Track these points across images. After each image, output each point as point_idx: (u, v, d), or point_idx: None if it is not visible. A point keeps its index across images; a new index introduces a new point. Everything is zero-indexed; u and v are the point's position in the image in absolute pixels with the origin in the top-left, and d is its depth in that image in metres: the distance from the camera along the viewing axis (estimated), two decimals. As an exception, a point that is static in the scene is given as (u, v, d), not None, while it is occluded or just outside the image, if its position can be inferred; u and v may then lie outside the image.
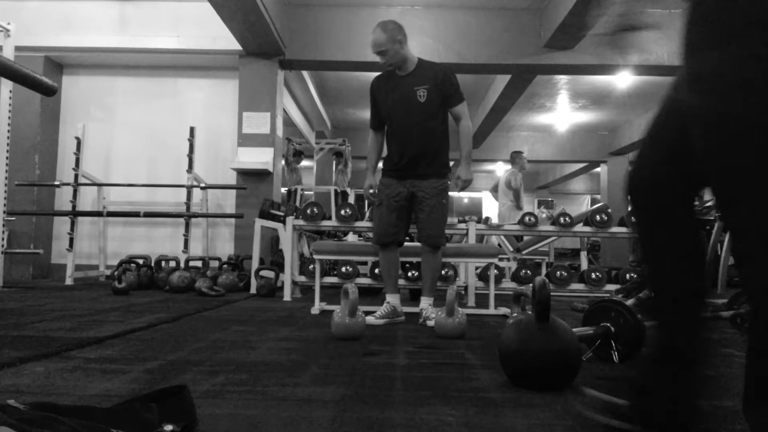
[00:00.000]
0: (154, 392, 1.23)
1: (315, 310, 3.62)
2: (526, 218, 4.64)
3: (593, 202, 18.10)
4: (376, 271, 4.30)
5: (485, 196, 18.57)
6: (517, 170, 7.41)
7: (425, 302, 3.24)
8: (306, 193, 9.18)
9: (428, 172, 3.20)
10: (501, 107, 8.72)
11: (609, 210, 4.65)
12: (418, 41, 6.42)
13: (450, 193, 3.33)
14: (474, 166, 16.37)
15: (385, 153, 3.41)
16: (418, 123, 3.17)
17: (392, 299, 3.25)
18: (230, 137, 6.57)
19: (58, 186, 6.38)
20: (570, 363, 1.64)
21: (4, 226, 4.88)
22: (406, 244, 3.52)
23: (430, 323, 3.00)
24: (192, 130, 6.19)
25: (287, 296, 4.37)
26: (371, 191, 3.35)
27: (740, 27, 0.96)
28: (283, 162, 7.32)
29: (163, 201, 6.38)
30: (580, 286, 4.54)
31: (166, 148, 6.61)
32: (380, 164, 3.47)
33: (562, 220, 4.58)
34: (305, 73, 7.89)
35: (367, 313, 2.96)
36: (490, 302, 3.81)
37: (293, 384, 1.65)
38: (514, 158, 7.50)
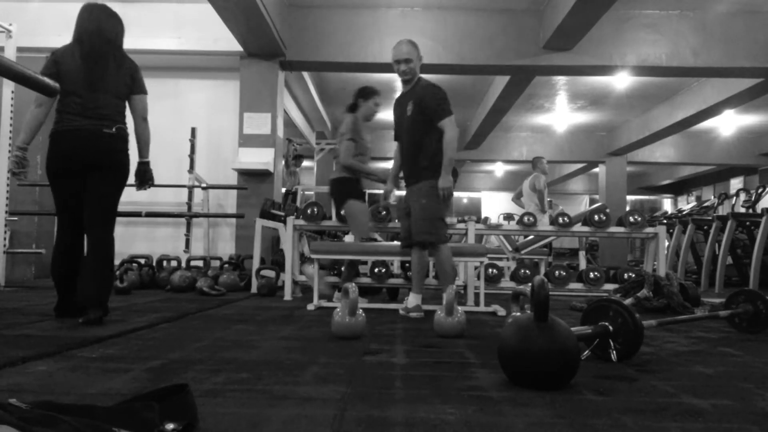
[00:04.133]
0: (155, 391, 1.24)
1: (311, 306, 3.72)
2: (525, 218, 4.65)
3: (592, 202, 18.11)
4: (376, 270, 4.32)
5: (484, 196, 18.57)
6: (540, 173, 7.46)
7: (411, 298, 3.50)
8: (306, 193, 9.19)
9: (416, 178, 3.46)
10: (500, 108, 8.73)
11: (607, 210, 4.66)
12: (418, 42, 6.39)
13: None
14: (473, 167, 16.40)
15: None
16: (407, 135, 3.49)
17: (415, 299, 3.48)
18: (231, 138, 6.58)
19: (59, 186, 6.38)
20: (569, 362, 1.65)
21: (6, 225, 4.89)
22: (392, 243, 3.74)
23: (413, 315, 3.35)
24: (193, 130, 6.21)
25: (288, 295, 4.38)
26: (386, 199, 3.84)
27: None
28: (283, 162, 7.34)
29: (165, 201, 6.39)
30: (579, 286, 4.55)
31: (167, 148, 6.61)
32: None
33: (560, 220, 4.59)
34: (305, 74, 7.90)
35: (367, 311, 2.97)
36: (481, 300, 3.87)
37: (294, 383, 1.66)
38: (536, 163, 7.61)
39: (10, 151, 4.88)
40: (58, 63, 2.91)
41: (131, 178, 3.09)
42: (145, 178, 3.16)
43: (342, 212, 4.17)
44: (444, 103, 3.38)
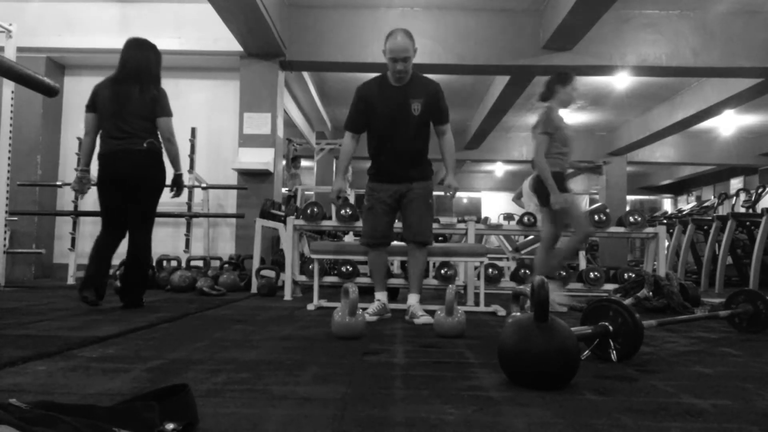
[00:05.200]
0: (155, 391, 1.24)
1: (311, 306, 3.72)
2: (525, 218, 4.65)
3: (592, 202, 18.10)
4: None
5: (484, 196, 18.58)
6: None
7: (413, 299, 3.30)
8: (306, 193, 9.20)
9: (417, 176, 3.33)
10: (500, 108, 8.74)
11: (607, 210, 4.66)
12: (418, 43, 6.34)
13: (435, 193, 3.50)
14: (473, 167, 16.39)
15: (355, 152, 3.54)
16: (410, 133, 3.27)
17: (382, 297, 3.36)
18: (231, 138, 6.59)
19: (59, 186, 6.39)
20: (568, 362, 1.65)
21: (6, 226, 4.89)
22: (400, 243, 3.64)
23: (418, 321, 3.09)
24: (193, 130, 6.21)
25: (288, 295, 4.38)
26: (340, 195, 3.42)
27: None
28: (283, 163, 7.35)
29: (165, 201, 6.36)
30: (579, 286, 4.55)
31: (166, 148, 6.65)
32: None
33: (561, 220, 4.59)
34: (305, 74, 7.90)
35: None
36: (481, 300, 3.88)
37: (294, 383, 1.66)
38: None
39: (10, 151, 4.88)
40: (96, 94, 3.45)
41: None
42: (177, 187, 3.67)
43: (554, 208, 3.76)
44: (447, 108, 3.36)
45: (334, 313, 2.55)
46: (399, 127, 3.27)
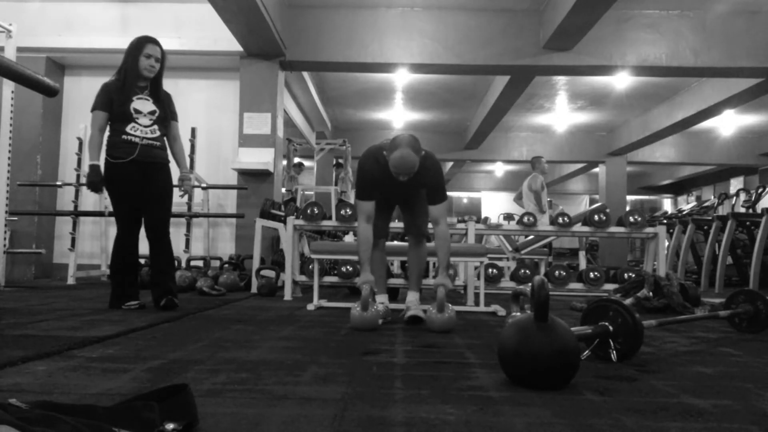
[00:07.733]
0: (155, 391, 1.24)
1: (311, 306, 3.72)
2: (525, 218, 4.65)
3: (592, 202, 18.12)
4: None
5: (484, 196, 18.58)
6: (538, 174, 7.45)
7: (412, 297, 3.21)
8: (306, 193, 9.21)
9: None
10: (500, 108, 8.74)
11: (607, 210, 4.66)
12: (418, 43, 6.45)
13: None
14: (473, 167, 16.40)
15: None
16: (410, 200, 3.23)
17: (383, 299, 3.25)
18: (231, 138, 6.59)
19: (59, 186, 6.40)
20: (569, 362, 1.65)
21: (6, 226, 4.89)
22: (400, 244, 3.63)
23: (407, 314, 3.07)
24: (193, 130, 6.21)
25: (288, 295, 4.38)
26: (366, 287, 2.87)
27: None
28: (284, 162, 7.35)
29: (164, 201, 6.40)
30: (579, 286, 4.55)
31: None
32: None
33: (560, 220, 4.59)
34: (305, 74, 7.90)
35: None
36: (481, 300, 3.88)
37: (294, 383, 1.66)
38: (534, 163, 7.60)
39: (10, 151, 4.88)
40: None
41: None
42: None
43: None
44: (444, 188, 3.08)
45: (352, 309, 2.82)
46: (398, 200, 3.27)
